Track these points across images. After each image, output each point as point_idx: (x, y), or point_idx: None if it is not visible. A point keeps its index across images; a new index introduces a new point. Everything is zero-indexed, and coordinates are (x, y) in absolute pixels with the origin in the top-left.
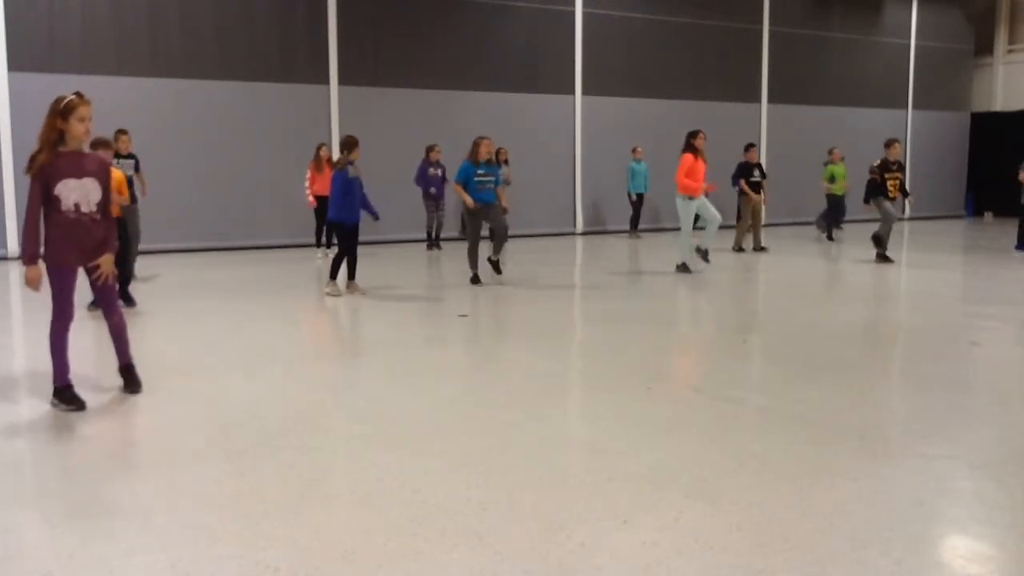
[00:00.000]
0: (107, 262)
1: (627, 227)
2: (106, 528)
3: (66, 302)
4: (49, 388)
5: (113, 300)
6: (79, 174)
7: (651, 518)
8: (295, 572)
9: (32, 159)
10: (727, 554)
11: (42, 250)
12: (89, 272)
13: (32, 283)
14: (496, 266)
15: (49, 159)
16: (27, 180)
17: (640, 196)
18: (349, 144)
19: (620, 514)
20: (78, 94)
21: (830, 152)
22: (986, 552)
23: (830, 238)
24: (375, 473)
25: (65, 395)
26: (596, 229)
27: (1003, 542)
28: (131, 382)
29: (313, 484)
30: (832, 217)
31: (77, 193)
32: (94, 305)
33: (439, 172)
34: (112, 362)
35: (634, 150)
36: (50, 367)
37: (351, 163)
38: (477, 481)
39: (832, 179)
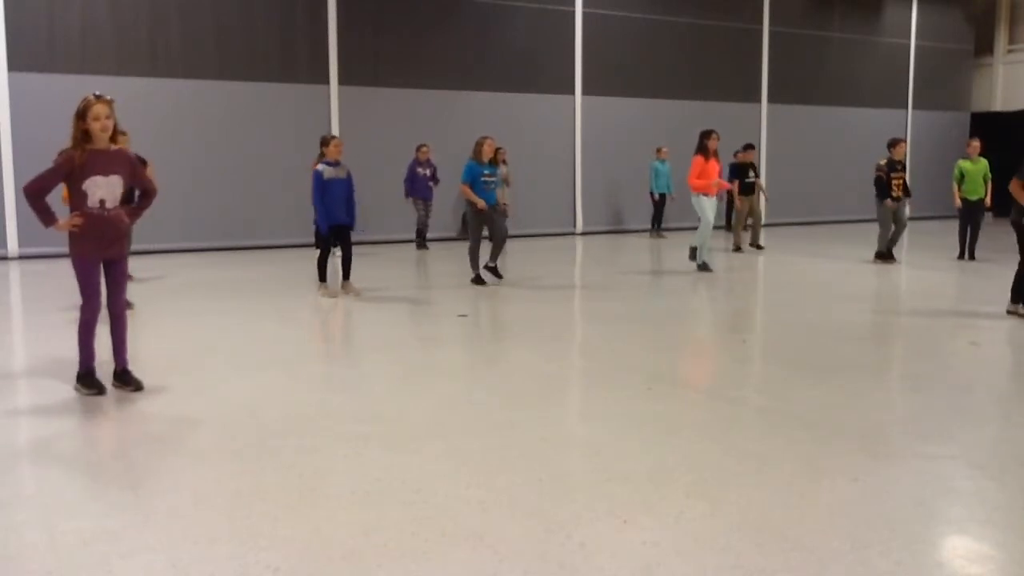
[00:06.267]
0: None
1: (628, 227)
2: (106, 528)
3: (92, 292)
4: (49, 388)
5: (122, 294)
6: (106, 171)
7: (651, 518)
8: (295, 572)
9: (62, 152)
10: (727, 554)
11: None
12: (106, 265)
13: (69, 223)
14: (495, 271)
15: (81, 157)
16: (29, 178)
17: (663, 196)
18: (321, 143)
19: (620, 514)
20: (96, 94)
21: None
22: (986, 552)
23: None
24: (375, 473)
25: (87, 380)
26: (596, 229)
27: (1003, 542)
28: (129, 383)
29: (313, 484)
30: None
31: (104, 190)
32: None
33: (428, 171)
34: (110, 360)
35: (658, 150)
36: (52, 365)
37: (331, 163)
38: (477, 481)
39: None
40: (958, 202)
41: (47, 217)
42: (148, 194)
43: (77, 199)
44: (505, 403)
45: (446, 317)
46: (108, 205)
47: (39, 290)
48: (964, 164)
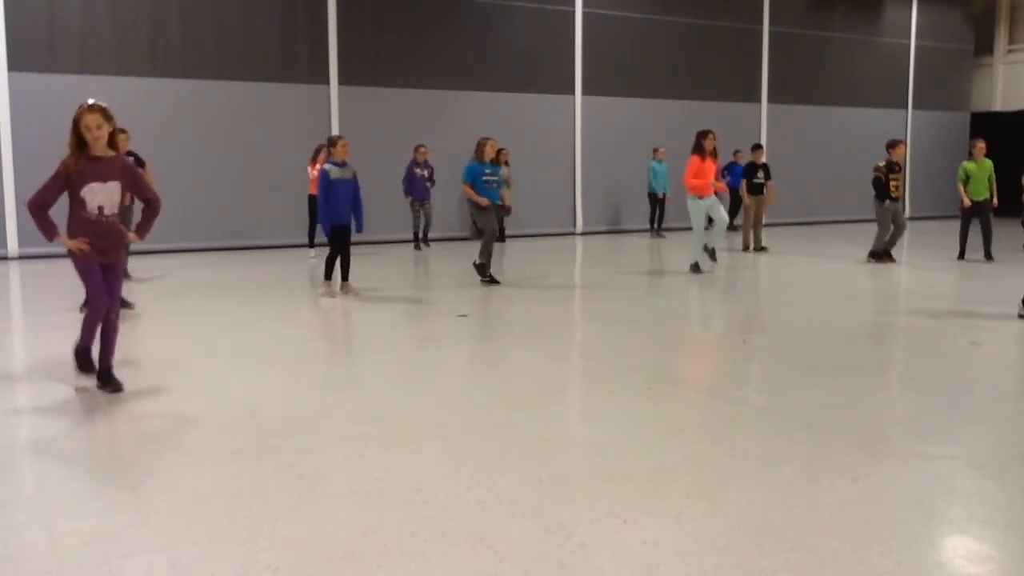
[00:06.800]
0: (132, 238)
1: (628, 227)
2: (106, 528)
3: (99, 290)
4: (48, 388)
5: (116, 299)
6: (104, 178)
7: (651, 518)
8: (295, 572)
9: (63, 160)
10: (727, 554)
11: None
12: (103, 269)
13: (74, 246)
14: (493, 279)
15: (76, 163)
16: (28, 179)
17: (662, 196)
18: (327, 144)
19: (620, 514)
20: (90, 104)
21: None
22: (986, 552)
23: None
24: (375, 473)
25: (82, 358)
26: (596, 229)
27: (1003, 542)
28: (108, 384)
29: (313, 484)
30: None
31: (101, 196)
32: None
33: (425, 172)
34: (117, 362)
35: (656, 151)
36: (52, 365)
37: (337, 164)
38: (477, 481)
39: None
40: (967, 201)
41: (50, 231)
42: (151, 203)
43: (75, 205)
44: (505, 403)
45: (446, 317)
46: (106, 212)
47: (39, 290)
48: (968, 166)
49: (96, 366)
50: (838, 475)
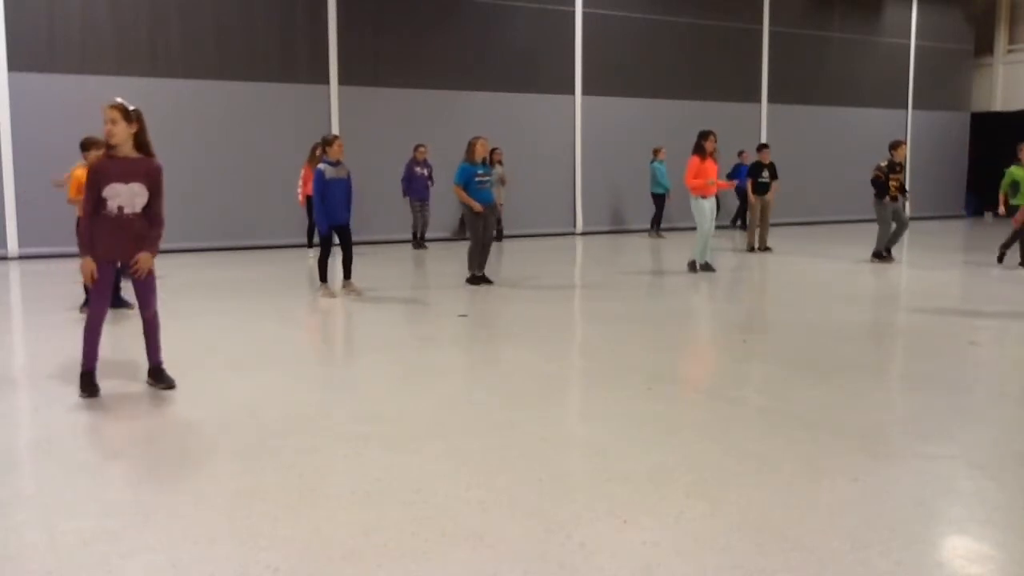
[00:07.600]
0: (144, 259)
1: (628, 227)
2: (106, 528)
3: (101, 293)
4: (49, 388)
5: (150, 297)
6: (126, 179)
7: (651, 518)
8: (295, 572)
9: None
10: (727, 554)
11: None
12: (126, 268)
13: (86, 274)
14: (485, 279)
15: (98, 162)
16: (28, 179)
17: (664, 195)
18: (323, 143)
19: (620, 514)
20: (115, 100)
21: None
22: (986, 552)
23: None
24: (375, 473)
25: (83, 381)
26: (596, 229)
27: (1003, 542)
28: (161, 380)
29: (313, 484)
30: None
31: (123, 197)
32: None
33: (425, 172)
34: (118, 362)
35: (657, 151)
36: (52, 365)
37: (332, 163)
38: (477, 481)
39: None
40: (1003, 208)
41: (84, 248)
42: (156, 220)
43: (98, 204)
44: (505, 403)
45: (446, 317)
46: (126, 211)
47: (39, 290)
48: (1016, 171)
49: (97, 387)
50: (838, 475)
